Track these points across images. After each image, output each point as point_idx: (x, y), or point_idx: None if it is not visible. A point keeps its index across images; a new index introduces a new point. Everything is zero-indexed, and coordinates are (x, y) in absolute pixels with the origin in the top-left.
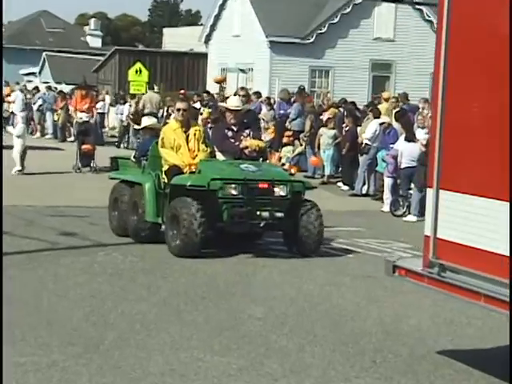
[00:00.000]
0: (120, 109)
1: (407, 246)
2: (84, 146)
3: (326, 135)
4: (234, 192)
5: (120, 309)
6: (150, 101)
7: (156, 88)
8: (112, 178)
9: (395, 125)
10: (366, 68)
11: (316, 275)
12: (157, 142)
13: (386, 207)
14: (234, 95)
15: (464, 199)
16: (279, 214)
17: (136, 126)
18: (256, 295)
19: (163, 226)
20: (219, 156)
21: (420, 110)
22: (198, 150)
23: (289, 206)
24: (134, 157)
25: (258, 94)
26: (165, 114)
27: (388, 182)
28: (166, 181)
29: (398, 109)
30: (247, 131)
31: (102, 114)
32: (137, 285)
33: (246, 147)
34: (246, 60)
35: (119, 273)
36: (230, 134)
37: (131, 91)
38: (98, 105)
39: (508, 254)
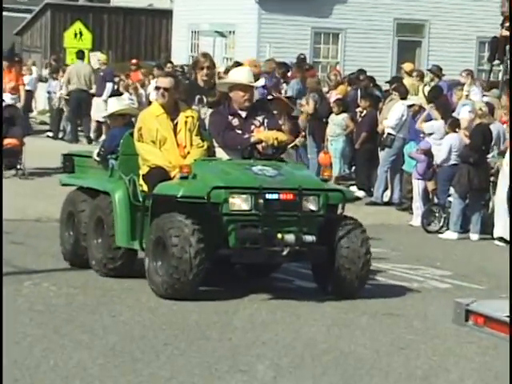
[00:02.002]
0: (53, 86)
1: (445, 273)
2: (8, 141)
3: (333, 122)
4: (244, 206)
5: (52, 359)
6: (76, 74)
7: (101, 57)
8: (65, 185)
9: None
10: (390, 30)
11: (320, 313)
12: (131, 134)
13: (417, 220)
14: (238, 64)
15: None
16: (309, 238)
17: (105, 113)
18: (239, 340)
19: (143, 255)
20: (221, 154)
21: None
22: (191, 146)
23: (322, 225)
24: (99, 154)
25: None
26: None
27: (419, 185)
28: (145, 189)
29: (427, 86)
30: (260, 118)
31: (29, 93)
32: (75, 326)
33: (260, 141)
34: (225, 19)
35: (51, 310)
36: (235, 122)
37: (68, 61)
38: (25, 80)
39: None
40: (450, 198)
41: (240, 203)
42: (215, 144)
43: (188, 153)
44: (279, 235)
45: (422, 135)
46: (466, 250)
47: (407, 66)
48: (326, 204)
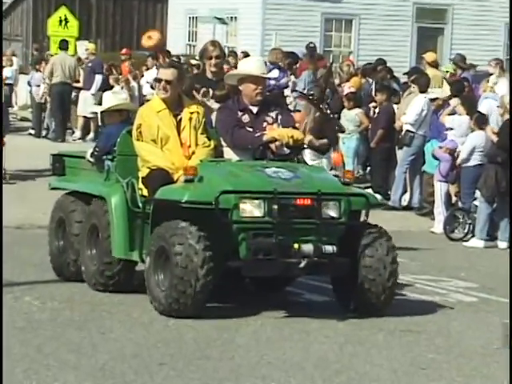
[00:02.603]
0: (35, 78)
1: (470, 285)
2: None
3: (345, 118)
4: (256, 212)
5: (35, 381)
6: (61, 66)
7: (89, 46)
8: (55, 188)
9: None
10: (409, 16)
11: (332, 329)
12: (129, 132)
13: (439, 226)
14: (246, 56)
15: None
16: (329, 248)
17: (94, 109)
18: (242, 359)
19: (143, 266)
20: (229, 154)
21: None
22: (197, 145)
23: (343, 234)
24: (93, 155)
25: (246, 56)
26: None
27: (441, 188)
28: (145, 193)
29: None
30: (273, 114)
31: (9, 86)
32: (61, 344)
33: (274, 140)
34: (226, 4)
35: (34, 326)
36: (246, 118)
37: (52, 51)
38: (7, 72)
39: None
40: (475, 202)
41: (252, 209)
42: (223, 143)
43: (193, 153)
44: (296, 245)
45: (445, 132)
46: (493, 260)
47: (429, 56)
48: (348, 210)
